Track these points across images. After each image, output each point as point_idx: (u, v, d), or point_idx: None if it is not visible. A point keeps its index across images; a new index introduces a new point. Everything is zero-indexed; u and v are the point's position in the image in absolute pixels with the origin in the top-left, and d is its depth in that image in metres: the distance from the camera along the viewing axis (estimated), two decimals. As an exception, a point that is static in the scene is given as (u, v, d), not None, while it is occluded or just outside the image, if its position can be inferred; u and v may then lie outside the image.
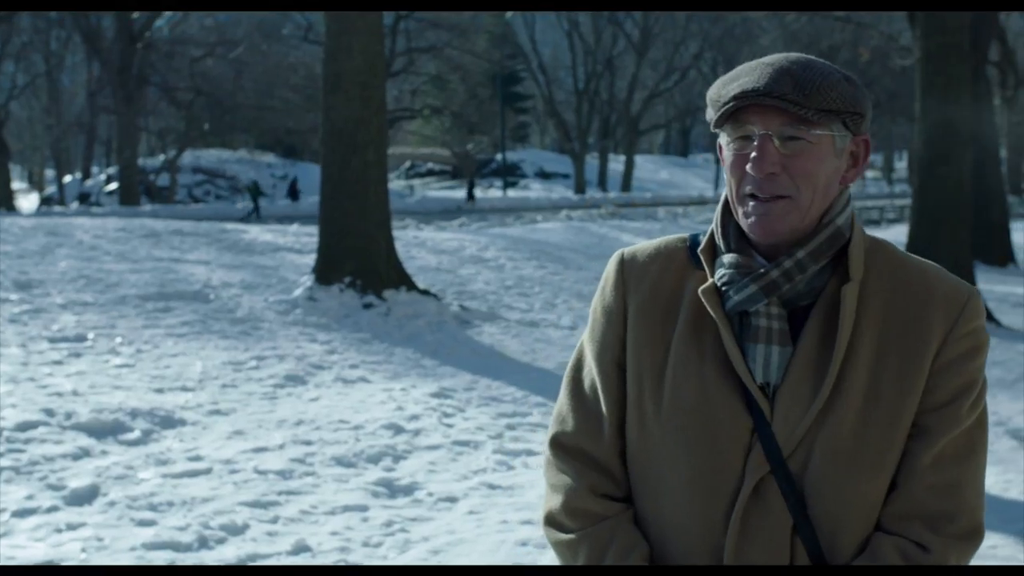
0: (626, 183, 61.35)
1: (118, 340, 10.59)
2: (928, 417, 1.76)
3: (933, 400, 1.76)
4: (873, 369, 1.76)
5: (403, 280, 13.51)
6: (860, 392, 1.74)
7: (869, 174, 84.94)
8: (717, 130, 1.82)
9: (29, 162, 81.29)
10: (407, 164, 77.46)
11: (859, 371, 1.75)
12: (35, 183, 78.59)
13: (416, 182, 72.13)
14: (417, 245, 19.13)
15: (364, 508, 6.22)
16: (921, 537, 1.74)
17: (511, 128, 72.07)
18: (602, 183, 63.41)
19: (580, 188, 58.76)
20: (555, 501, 1.90)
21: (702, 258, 1.85)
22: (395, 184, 59.77)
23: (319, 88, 14.55)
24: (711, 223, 1.89)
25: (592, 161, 67.07)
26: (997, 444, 8.00)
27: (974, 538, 1.78)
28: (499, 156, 65.18)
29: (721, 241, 1.84)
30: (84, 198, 49.75)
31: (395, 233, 14.93)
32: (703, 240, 1.88)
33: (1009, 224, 23.21)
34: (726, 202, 1.85)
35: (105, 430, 7.48)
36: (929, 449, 1.75)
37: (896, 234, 24.36)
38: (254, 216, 38.76)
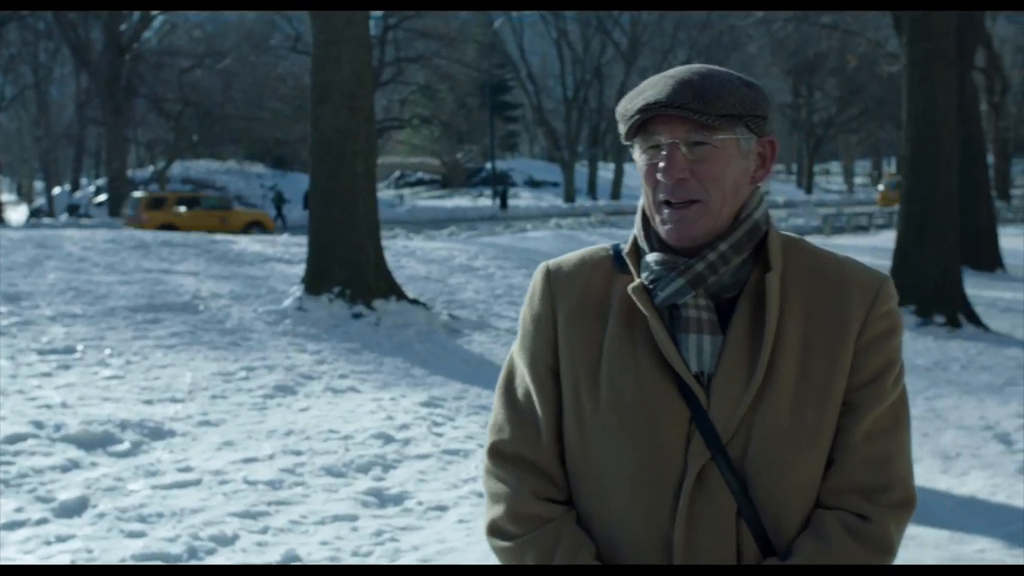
0: (615, 191, 61.42)
1: (107, 352, 10.58)
2: (856, 395, 1.84)
3: (859, 378, 1.84)
4: (801, 353, 1.83)
5: (392, 290, 13.52)
6: (791, 375, 1.82)
7: (858, 180, 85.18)
8: (628, 143, 1.89)
9: (18, 174, 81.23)
10: (396, 174, 77.49)
11: (788, 355, 1.82)
12: (24, 195, 78.53)
13: (406, 191, 72.13)
14: (407, 254, 19.14)
15: (354, 518, 6.22)
16: (860, 508, 1.81)
17: (500, 137, 72.14)
18: (592, 191, 63.49)
19: (570, 196, 58.82)
20: (497, 509, 1.93)
21: (628, 260, 1.92)
22: (384, 194, 59.78)
23: (308, 98, 14.57)
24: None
25: (581, 169, 67.17)
26: (985, 448, 8.03)
27: (908, 507, 1.85)
28: (488, 165, 65.21)
29: (644, 243, 1.92)
30: (73, 210, 49.60)
31: (384, 243, 14.95)
32: (627, 247, 1.95)
33: (997, 229, 23.26)
34: (644, 209, 1.93)
35: (94, 442, 7.47)
36: (859, 424, 1.83)
37: (884, 240, 24.43)
38: (279, 224, 39.28)
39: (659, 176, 1.82)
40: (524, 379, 1.96)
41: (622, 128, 1.88)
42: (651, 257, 1.87)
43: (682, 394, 1.83)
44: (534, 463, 1.92)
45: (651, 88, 1.84)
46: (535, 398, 1.94)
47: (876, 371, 1.84)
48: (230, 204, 36.69)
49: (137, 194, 36.60)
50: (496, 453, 1.96)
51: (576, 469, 1.90)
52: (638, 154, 1.88)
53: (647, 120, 1.84)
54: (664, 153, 1.82)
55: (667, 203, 1.83)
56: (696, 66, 1.87)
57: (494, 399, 2.03)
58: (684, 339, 1.83)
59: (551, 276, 1.97)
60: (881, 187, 53.27)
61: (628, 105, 1.86)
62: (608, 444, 1.85)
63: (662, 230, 1.86)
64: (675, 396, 1.83)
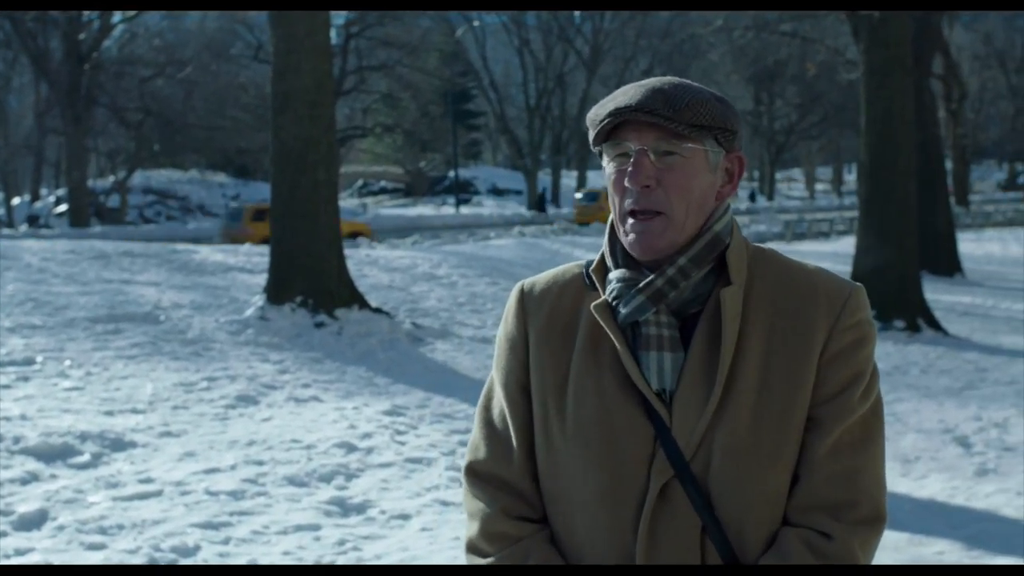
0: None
1: (67, 363, 10.50)
2: (820, 409, 1.81)
3: (823, 392, 1.81)
4: (762, 368, 1.81)
5: (355, 299, 13.49)
6: (752, 390, 1.80)
7: (819, 187, 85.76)
8: (597, 150, 1.89)
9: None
10: (360, 182, 77.32)
11: (749, 370, 1.81)
12: (-18, 206, 77.63)
13: (369, 200, 71.97)
14: (369, 263, 19.10)
15: (316, 527, 6.20)
16: (824, 526, 1.78)
17: (463, 145, 72.12)
18: (555, 199, 63.56)
19: (533, 204, 58.87)
20: (472, 528, 1.95)
21: (594, 277, 1.93)
22: (348, 202, 59.62)
23: (269, 108, 14.52)
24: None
25: (545, 177, 67.24)
26: (944, 451, 8.11)
27: (876, 524, 1.82)
28: (452, 173, 65.19)
29: (610, 260, 1.92)
30: (33, 220, 49.18)
31: (347, 252, 14.91)
32: (594, 263, 1.95)
33: (955, 234, 23.48)
34: (612, 225, 1.92)
35: (54, 454, 7.42)
36: (824, 440, 1.80)
37: (845, 245, 24.62)
38: None
39: (626, 183, 1.82)
40: (499, 399, 1.98)
41: (591, 134, 1.87)
42: (614, 274, 1.87)
43: (646, 412, 1.82)
44: (507, 482, 1.93)
45: (623, 95, 1.84)
46: (508, 418, 1.95)
47: (842, 385, 1.82)
48: None
49: (235, 205, 35.93)
50: (471, 472, 1.98)
51: (546, 488, 1.91)
52: (607, 163, 1.88)
53: (617, 127, 1.84)
54: (632, 159, 1.82)
55: (632, 214, 1.83)
56: (669, 77, 1.87)
57: (474, 419, 2.05)
58: (645, 356, 1.83)
59: (524, 296, 1.98)
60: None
61: (599, 111, 1.86)
62: (574, 464, 1.85)
63: (626, 241, 1.85)
64: (638, 414, 1.82)
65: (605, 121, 1.83)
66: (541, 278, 2.00)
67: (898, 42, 14.93)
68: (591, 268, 1.94)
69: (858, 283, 1.90)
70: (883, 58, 14.93)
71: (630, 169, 1.82)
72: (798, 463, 1.82)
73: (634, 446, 1.82)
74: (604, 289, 1.90)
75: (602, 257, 1.94)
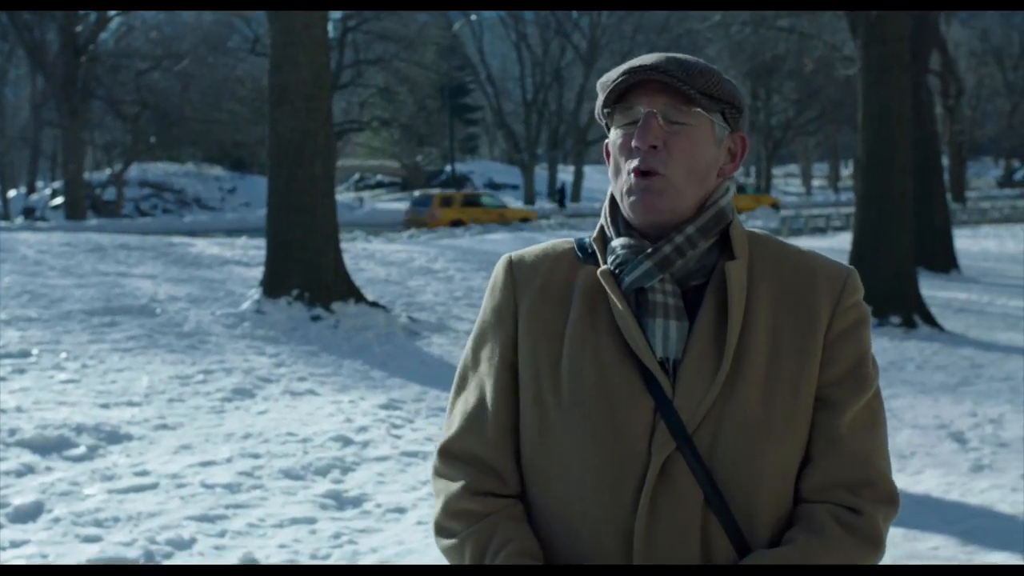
0: (575, 193, 61.51)
1: (63, 355, 10.49)
2: (832, 390, 1.82)
3: (833, 372, 1.83)
4: (770, 342, 1.81)
5: (351, 292, 13.49)
6: (761, 365, 1.79)
7: (816, 183, 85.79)
8: (606, 112, 1.89)
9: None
10: (356, 176, 77.27)
11: (758, 345, 1.80)
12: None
13: (365, 194, 71.93)
14: (366, 257, 19.10)
15: (312, 520, 6.20)
16: (849, 502, 1.78)
17: (460, 140, 72.09)
18: (551, 194, 63.55)
19: (529, 199, 58.86)
20: (437, 507, 1.91)
21: (595, 246, 1.91)
22: (344, 196, 59.59)
23: (266, 101, 14.51)
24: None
25: (541, 172, 67.21)
26: (939, 447, 8.12)
27: (893, 504, 1.83)
28: (448, 168, 65.15)
29: (610, 230, 1.90)
30: (29, 213, 49.15)
31: (344, 245, 14.92)
32: (593, 234, 1.94)
33: (952, 231, 23.48)
34: (612, 198, 1.92)
35: (49, 446, 7.41)
36: (840, 419, 1.80)
37: (842, 241, 24.63)
38: None
39: (633, 143, 1.82)
40: (479, 372, 1.93)
41: (602, 96, 1.87)
42: (617, 242, 1.86)
43: (645, 383, 1.79)
44: (480, 458, 1.89)
45: (637, 59, 1.85)
46: (488, 391, 1.90)
47: (851, 364, 1.83)
48: (503, 204, 42.31)
49: (423, 192, 42.35)
50: (444, 452, 1.94)
51: (538, 464, 1.86)
52: (613, 130, 1.88)
53: (627, 92, 1.84)
54: (641, 121, 1.82)
55: (638, 173, 1.82)
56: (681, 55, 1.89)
57: (449, 397, 2.01)
58: (651, 324, 1.81)
59: (513, 266, 1.94)
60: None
61: (609, 76, 1.86)
62: (571, 438, 1.81)
63: (627, 204, 1.84)
64: (638, 385, 1.79)
65: (619, 80, 1.83)
66: (530, 251, 1.98)
67: (896, 38, 14.93)
68: (592, 237, 1.93)
69: (851, 266, 1.93)
70: (880, 54, 14.93)
71: (638, 130, 1.82)
72: (811, 443, 1.82)
73: (633, 418, 1.79)
74: (604, 258, 1.89)
75: (601, 229, 1.93)
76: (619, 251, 1.85)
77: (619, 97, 1.85)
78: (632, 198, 1.83)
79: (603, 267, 1.86)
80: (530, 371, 1.87)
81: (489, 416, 1.90)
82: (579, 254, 1.94)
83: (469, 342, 1.99)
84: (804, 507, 1.80)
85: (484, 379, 1.92)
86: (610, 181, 1.92)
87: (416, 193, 42.25)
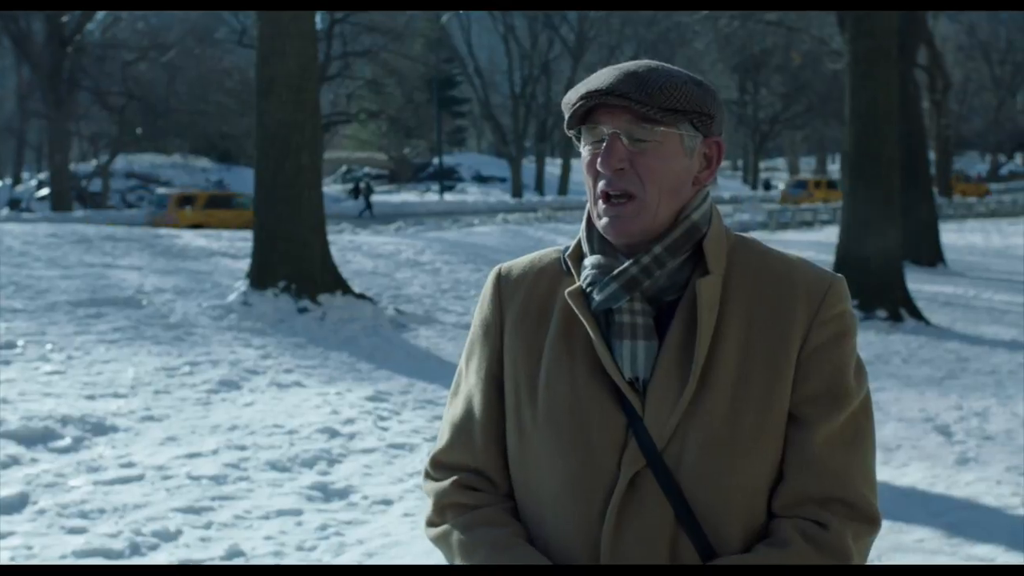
0: (563, 186, 61.52)
1: (48, 347, 10.45)
2: (806, 407, 1.78)
3: (808, 388, 1.78)
4: (740, 358, 1.78)
5: (338, 284, 13.47)
6: (729, 382, 1.76)
7: (803, 177, 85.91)
8: (573, 133, 1.87)
9: (-43, 168, 79.88)
10: (344, 168, 77.14)
11: (726, 361, 1.77)
12: (-36, 189, 77.22)
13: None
14: (353, 249, 19.07)
15: (298, 512, 6.19)
16: (817, 515, 1.75)
17: (448, 132, 72.02)
18: (539, 187, 63.55)
19: (517, 192, 58.86)
20: (428, 506, 1.92)
21: (569, 263, 1.90)
22: (331, 188, 59.48)
23: (253, 92, 14.47)
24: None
25: (529, 165, 67.20)
26: (925, 440, 8.14)
27: (868, 522, 1.79)
28: (436, 160, 65.11)
29: (586, 246, 1.88)
30: (15, 204, 48.90)
31: (331, 237, 14.89)
32: (570, 248, 1.92)
33: (938, 225, 23.56)
34: (589, 211, 1.90)
35: (35, 438, 7.38)
36: (812, 438, 1.76)
37: (828, 235, 24.69)
38: (368, 214, 41.34)
39: (598, 166, 1.79)
40: (468, 384, 1.95)
41: (566, 116, 1.85)
42: (589, 260, 1.84)
43: (619, 402, 1.79)
44: (466, 464, 1.91)
45: (596, 78, 1.81)
46: (475, 404, 1.92)
47: (827, 380, 1.78)
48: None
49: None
50: (434, 462, 1.96)
51: (517, 478, 1.88)
52: (582, 147, 1.85)
53: (591, 111, 1.81)
54: (605, 143, 1.79)
55: (606, 197, 1.80)
56: (647, 61, 1.83)
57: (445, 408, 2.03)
58: (618, 345, 1.79)
59: (501, 280, 1.95)
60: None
61: (572, 94, 1.83)
62: (545, 452, 1.82)
63: (600, 225, 1.82)
64: (611, 403, 1.79)
65: (577, 104, 1.81)
66: (518, 263, 1.98)
67: (883, 32, 14.95)
68: (567, 254, 1.91)
69: (839, 275, 1.86)
70: (868, 48, 14.95)
71: (602, 152, 1.79)
72: (784, 461, 1.78)
73: (605, 434, 1.78)
74: (578, 275, 1.87)
75: (578, 243, 1.91)
76: (589, 270, 1.83)
77: (582, 118, 1.83)
78: (604, 221, 1.81)
79: (574, 287, 1.85)
80: (511, 384, 1.88)
81: (477, 427, 1.92)
82: (564, 266, 1.93)
83: (463, 353, 2.00)
84: (773, 522, 1.77)
85: (472, 391, 1.94)
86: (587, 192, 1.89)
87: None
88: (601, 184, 1.80)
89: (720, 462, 1.74)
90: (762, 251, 1.88)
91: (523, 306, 1.91)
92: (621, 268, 1.79)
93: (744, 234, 1.91)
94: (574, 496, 1.79)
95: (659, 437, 1.76)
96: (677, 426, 1.76)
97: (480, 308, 1.97)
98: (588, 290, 1.82)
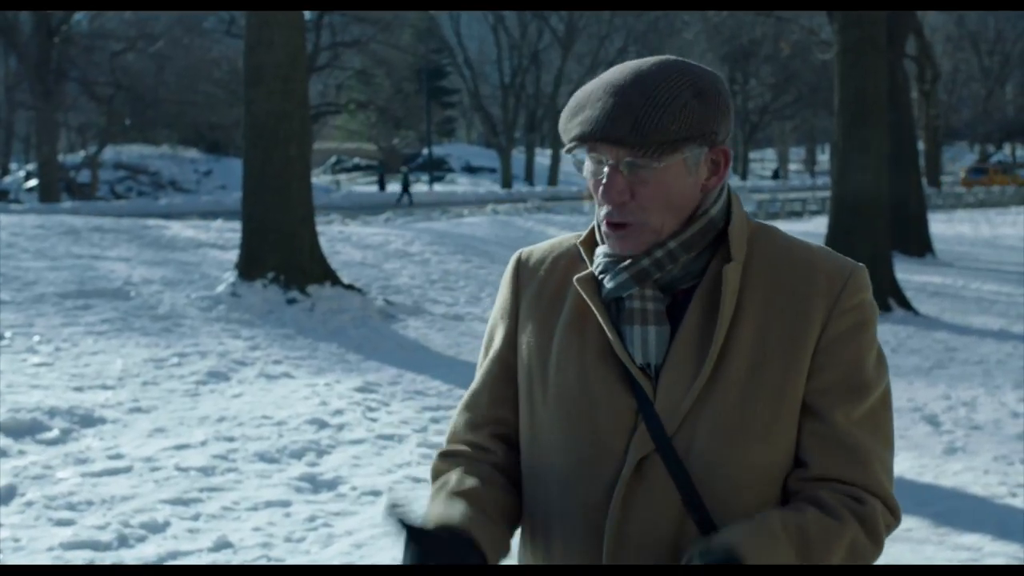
0: (553, 177, 61.51)
1: (36, 339, 10.42)
2: (820, 397, 1.74)
3: (824, 378, 1.75)
4: (756, 346, 1.75)
5: (327, 275, 13.44)
6: (743, 368, 1.74)
7: (792, 167, 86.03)
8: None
9: (-55, 159, 79.48)
10: (333, 159, 76.99)
11: (742, 348, 1.75)
12: (-49, 180, 76.87)
13: (342, 177, 71.68)
14: (342, 240, 19.04)
15: (287, 503, 6.19)
16: (849, 490, 1.71)
17: (437, 123, 71.90)
18: (529, 177, 63.52)
19: (507, 182, 58.83)
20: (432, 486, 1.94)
21: (582, 250, 1.89)
22: (321, 179, 59.37)
23: (242, 82, 14.42)
24: None
25: (519, 155, 67.16)
26: (913, 430, 8.16)
27: (893, 518, 1.76)
28: (425, 151, 65.03)
29: (598, 234, 1.86)
30: (3, 195, 48.76)
31: (320, 228, 14.85)
32: (584, 235, 1.92)
33: (927, 215, 23.60)
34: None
35: (22, 430, 7.37)
36: (829, 428, 1.73)
37: (817, 225, 24.71)
38: (406, 200, 42.24)
39: (600, 197, 1.77)
40: (482, 368, 1.97)
41: (563, 140, 1.81)
42: (601, 249, 1.83)
43: (629, 386, 1.78)
44: (471, 442, 1.93)
45: (590, 108, 1.74)
46: (482, 382, 1.94)
47: (844, 370, 1.75)
48: None
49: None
50: (443, 454, 1.96)
51: (528, 459, 1.88)
52: (586, 157, 1.80)
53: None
54: (606, 171, 1.74)
55: (609, 220, 1.77)
56: (640, 72, 1.74)
57: None
58: (628, 330, 1.78)
59: (520, 264, 1.95)
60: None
61: (567, 125, 1.78)
62: (554, 435, 1.82)
63: (606, 239, 1.80)
64: (620, 387, 1.78)
65: (571, 145, 1.77)
66: (538, 247, 1.97)
67: (872, 22, 14.97)
68: (581, 240, 1.91)
69: (860, 264, 1.83)
70: (857, 38, 14.96)
71: (603, 184, 1.75)
72: (801, 448, 1.75)
73: (614, 418, 1.77)
74: (591, 261, 1.86)
75: (592, 230, 1.90)
76: (601, 258, 1.82)
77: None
78: (609, 240, 1.79)
79: (585, 273, 1.84)
80: (524, 367, 1.89)
81: (481, 407, 1.94)
82: (581, 251, 1.92)
83: (483, 346, 2.02)
84: (800, 492, 1.73)
85: (483, 371, 1.96)
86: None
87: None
88: (603, 212, 1.78)
89: (731, 450, 1.73)
90: (783, 239, 1.85)
91: (538, 290, 1.91)
92: (634, 258, 1.77)
93: (765, 223, 1.89)
94: (580, 478, 1.79)
95: (669, 422, 1.75)
96: (688, 412, 1.74)
97: (500, 292, 1.98)
98: (600, 277, 1.82)
